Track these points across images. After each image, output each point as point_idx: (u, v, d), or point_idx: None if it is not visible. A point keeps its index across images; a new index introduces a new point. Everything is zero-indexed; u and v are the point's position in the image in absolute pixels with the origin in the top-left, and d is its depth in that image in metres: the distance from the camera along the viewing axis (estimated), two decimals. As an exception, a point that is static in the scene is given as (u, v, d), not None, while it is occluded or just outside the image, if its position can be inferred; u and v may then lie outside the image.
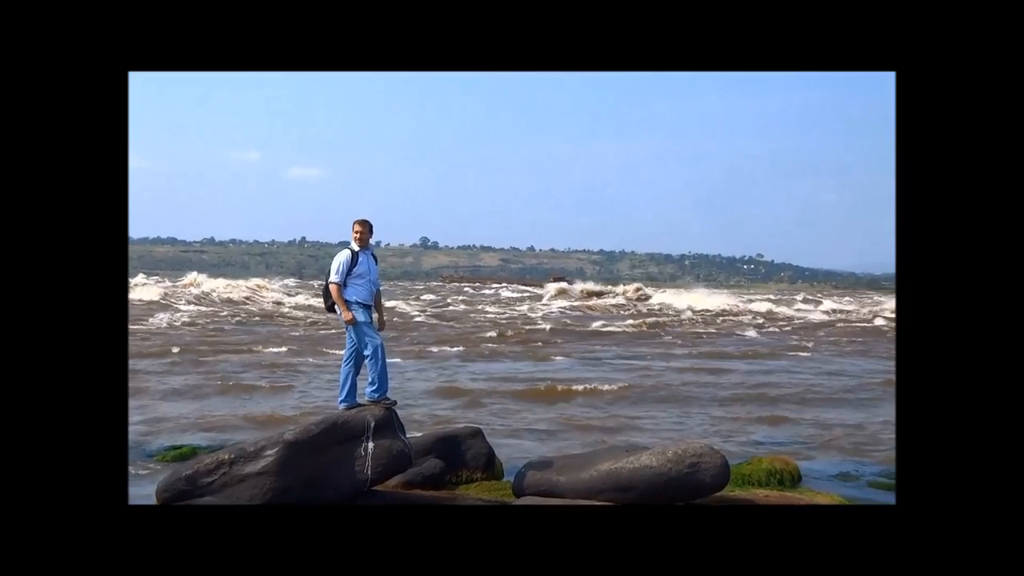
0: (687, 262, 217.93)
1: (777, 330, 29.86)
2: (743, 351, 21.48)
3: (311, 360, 17.59)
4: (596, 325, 30.04)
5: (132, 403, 12.41)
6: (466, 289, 76.71)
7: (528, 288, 72.47)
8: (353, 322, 7.05)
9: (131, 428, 10.73)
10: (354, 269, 7.09)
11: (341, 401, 7.20)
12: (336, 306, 7.09)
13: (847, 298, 62.46)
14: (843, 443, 10.54)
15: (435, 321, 31.56)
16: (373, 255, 7.30)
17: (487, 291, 69.85)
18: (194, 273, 47.24)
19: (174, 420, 11.35)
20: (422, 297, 52.88)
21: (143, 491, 7.16)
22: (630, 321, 32.04)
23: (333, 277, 7.06)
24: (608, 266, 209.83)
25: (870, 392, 14.60)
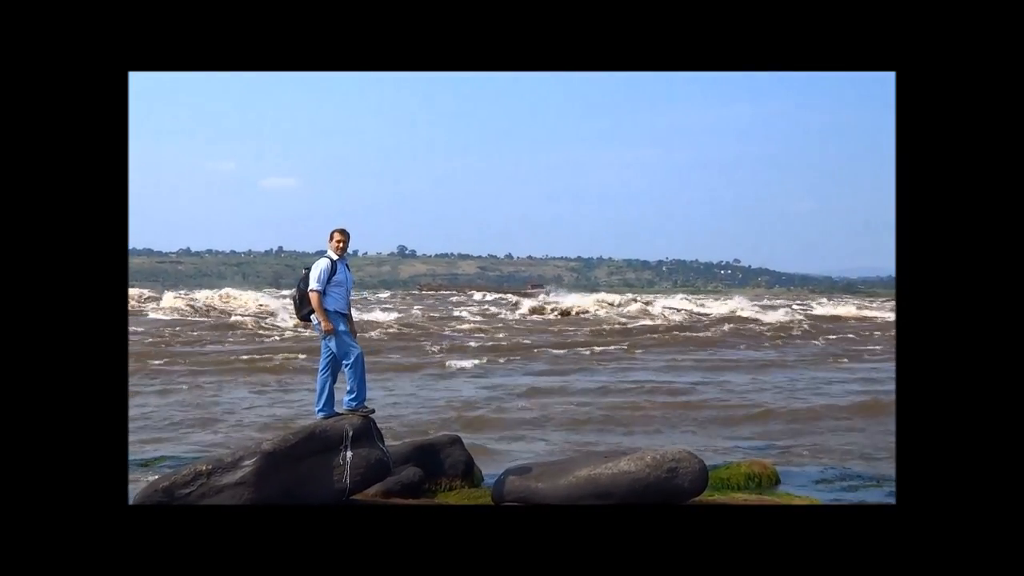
0: (664, 268, 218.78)
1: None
2: None
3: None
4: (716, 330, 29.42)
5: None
6: (483, 296, 74.33)
7: (516, 296, 71.62)
8: (332, 332, 7.02)
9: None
10: (333, 278, 7.07)
11: (319, 411, 7.16)
12: (313, 315, 7.04)
13: (835, 301, 62.53)
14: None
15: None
16: (347, 264, 7.31)
17: (494, 298, 67.98)
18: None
19: (155, 429, 11.39)
20: (469, 307, 48.71)
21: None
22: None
23: (314, 285, 7.00)
24: (585, 273, 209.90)
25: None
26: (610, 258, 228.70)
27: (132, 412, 12.35)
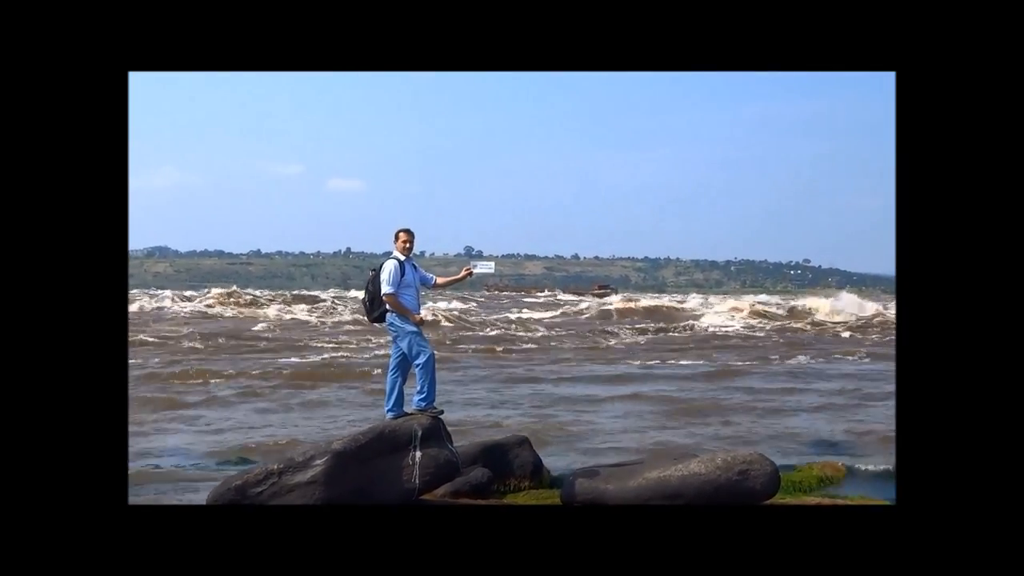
0: (733, 268, 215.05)
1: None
2: None
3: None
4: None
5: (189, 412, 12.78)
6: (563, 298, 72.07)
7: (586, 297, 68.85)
8: (423, 323, 7.16)
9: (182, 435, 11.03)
10: (403, 279, 7.12)
11: (388, 410, 7.23)
12: (388, 315, 7.11)
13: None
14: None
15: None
16: (414, 264, 7.35)
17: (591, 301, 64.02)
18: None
19: (223, 428, 11.66)
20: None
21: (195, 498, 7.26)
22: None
23: (387, 288, 7.05)
24: (652, 273, 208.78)
25: None
26: (677, 258, 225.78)
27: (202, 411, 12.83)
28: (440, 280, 7.70)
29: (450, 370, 17.68)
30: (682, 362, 20.77)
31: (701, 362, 20.88)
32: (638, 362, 20.79)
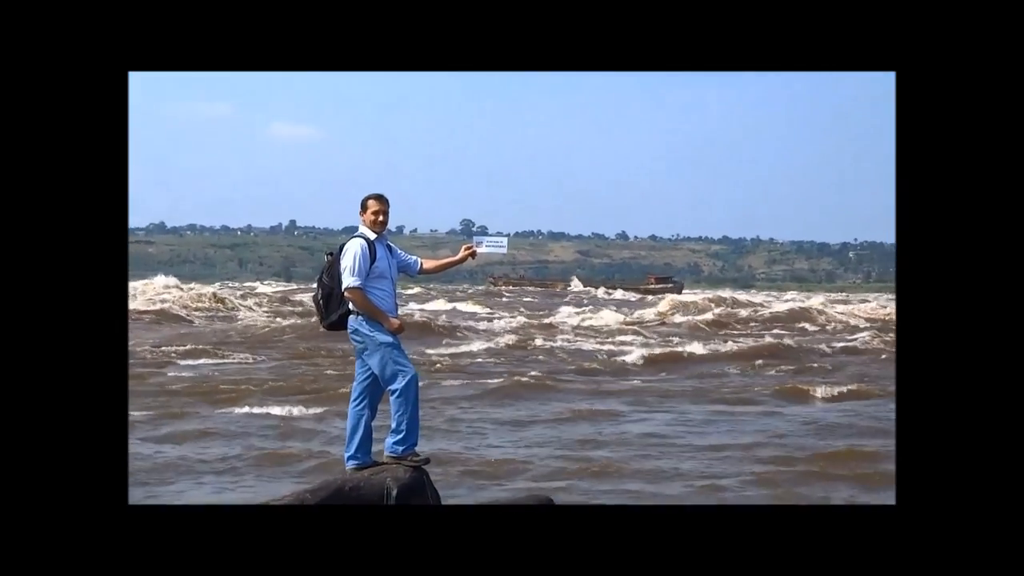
0: (851, 254, 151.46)
1: None
2: None
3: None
4: None
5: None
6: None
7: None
8: (402, 330, 5.19)
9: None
10: (372, 266, 5.12)
11: (349, 458, 5.40)
12: (352, 318, 5.19)
13: None
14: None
15: None
16: (388, 244, 5.38)
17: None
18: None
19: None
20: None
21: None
22: None
23: (351, 281, 5.06)
24: (734, 260, 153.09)
25: None
26: (770, 239, 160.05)
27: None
28: (428, 264, 5.56)
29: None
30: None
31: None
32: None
